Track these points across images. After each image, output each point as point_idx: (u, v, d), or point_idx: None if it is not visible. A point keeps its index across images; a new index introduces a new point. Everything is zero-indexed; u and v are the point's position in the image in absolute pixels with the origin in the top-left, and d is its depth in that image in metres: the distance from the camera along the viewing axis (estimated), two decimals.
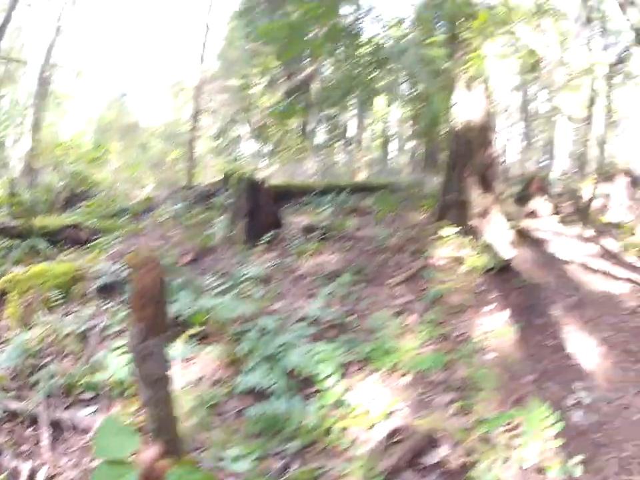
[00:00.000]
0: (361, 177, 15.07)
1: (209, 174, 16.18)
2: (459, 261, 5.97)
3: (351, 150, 17.53)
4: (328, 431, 3.05)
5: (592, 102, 11.99)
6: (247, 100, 15.90)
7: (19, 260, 7.54)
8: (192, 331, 4.13)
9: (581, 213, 8.78)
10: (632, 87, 15.26)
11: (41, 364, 4.21)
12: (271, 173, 14.25)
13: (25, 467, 3.06)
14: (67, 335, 4.48)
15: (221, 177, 12.75)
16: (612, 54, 12.78)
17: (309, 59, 15.07)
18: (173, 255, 6.25)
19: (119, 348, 3.89)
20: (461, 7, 7.09)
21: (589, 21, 12.57)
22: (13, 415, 3.59)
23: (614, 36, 13.62)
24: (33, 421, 3.53)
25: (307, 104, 16.24)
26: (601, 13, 12.60)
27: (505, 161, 17.29)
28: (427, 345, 4.24)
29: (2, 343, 4.86)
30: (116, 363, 3.78)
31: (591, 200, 8.98)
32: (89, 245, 8.09)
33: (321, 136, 17.75)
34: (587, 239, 7.46)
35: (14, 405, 3.69)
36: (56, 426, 3.45)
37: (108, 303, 5.26)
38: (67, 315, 5.04)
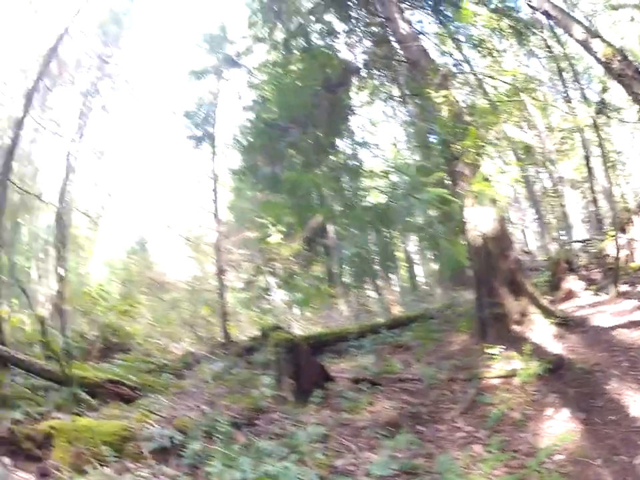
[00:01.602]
0: (395, 310, 15.13)
1: (244, 327, 16.40)
2: (510, 374, 5.91)
3: (380, 286, 17.84)
4: None
5: (587, 159, 12.23)
6: (268, 251, 16.46)
7: (60, 405, 7.51)
8: None
9: (612, 274, 8.75)
10: (619, 123, 15.44)
11: None
12: (304, 322, 14.42)
13: None
14: None
15: (258, 331, 12.78)
16: (592, 98, 12.79)
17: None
18: (225, 420, 6.01)
19: None
20: (451, 127, 7.61)
21: (560, 74, 12.52)
22: None
23: (586, 75, 13.76)
24: None
25: (326, 247, 16.77)
26: (568, 59, 12.51)
27: (527, 251, 17.37)
28: (498, 469, 4.12)
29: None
30: None
31: (617, 255, 8.95)
32: (131, 401, 7.98)
33: (347, 277, 18.13)
34: (625, 296, 7.43)
35: None
36: None
37: (165, 466, 5.10)
38: (121, 472, 4.90)
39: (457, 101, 8.13)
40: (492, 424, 5.04)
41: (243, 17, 18.36)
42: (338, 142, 15.75)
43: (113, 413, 7.01)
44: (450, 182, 7.71)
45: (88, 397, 7.95)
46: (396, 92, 13.37)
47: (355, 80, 13.75)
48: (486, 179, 7.46)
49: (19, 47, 20.97)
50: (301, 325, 14.12)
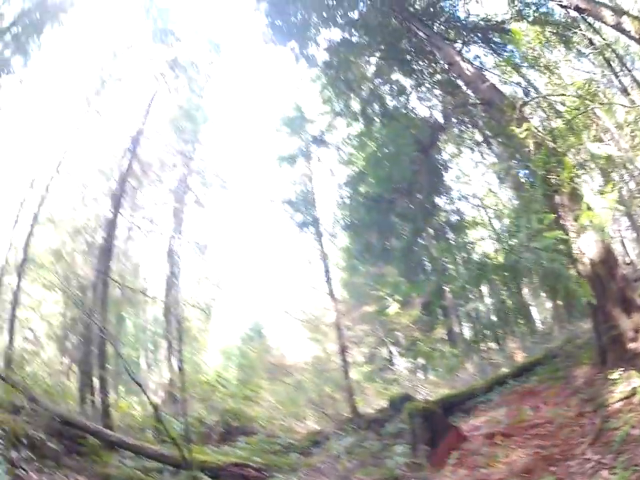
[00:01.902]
0: (518, 357, 14.30)
1: (369, 400, 16.17)
2: (631, 394, 5.53)
3: (500, 336, 17.00)
4: None
5: None
6: (387, 322, 16.41)
7: None
8: None
9: None
10: None
11: None
12: (430, 385, 14.01)
13: None
14: None
15: (384, 402, 12.76)
16: None
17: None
18: None
19: None
20: (544, 160, 7.43)
21: (609, 65, 11.37)
22: None
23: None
24: None
25: (444, 308, 16.52)
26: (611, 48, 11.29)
27: (628, 263, 15.72)
28: None
29: None
30: None
31: None
32: None
33: (466, 332, 17.56)
34: None
35: None
36: None
37: None
38: None
39: (539, 130, 7.92)
40: (617, 447, 4.76)
41: (313, 93, 19.56)
42: (437, 200, 15.85)
43: None
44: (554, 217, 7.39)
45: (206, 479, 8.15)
46: (478, 136, 13.26)
47: (441, 135, 13.95)
48: (589, 207, 7.16)
49: (95, 150, 23.49)
50: (427, 389, 13.62)
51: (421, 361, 16.75)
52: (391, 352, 16.90)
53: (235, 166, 41.82)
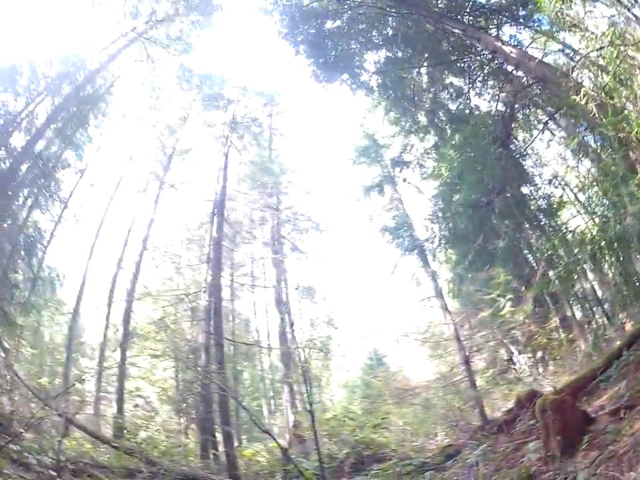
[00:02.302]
0: (628, 326, 13.51)
1: (496, 404, 15.72)
2: None
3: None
4: None
5: None
6: (503, 323, 16.07)
7: None
8: None
9: None
10: None
11: None
12: (551, 376, 13.58)
13: None
14: None
15: (511, 403, 12.37)
16: None
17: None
18: None
19: None
20: (614, 121, 7.16)
21: None
22: None
23: None
24: None
25: (553, 295, 16.02)
26: None
27: None
28: None
29: None
30: None
31: None
32: None
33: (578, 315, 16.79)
34: None
35: None
36: None
37: None
38: None
39: (594, 91, 7.67)
40: None
41: (379, 118, 19.83)
42: (524, 190, 15.50)
43: None
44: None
45: None
46: (543, 115, 12.91)
47: (511, 124, 13.75)
48: None
49: (179, 221, 24.88)
50: (550, 381, 13.11)
51: (539, 353, 16.28)
52: (510, 351, 16.57)
53: (323, 205, 42.26)
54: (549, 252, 13.99)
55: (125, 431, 14.46)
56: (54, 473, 7.40)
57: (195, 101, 25.60)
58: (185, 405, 21.59)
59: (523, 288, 16.30)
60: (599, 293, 15.83)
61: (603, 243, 10.16)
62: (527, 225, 15.72)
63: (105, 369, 18.43)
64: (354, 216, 36.95)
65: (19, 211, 16.92)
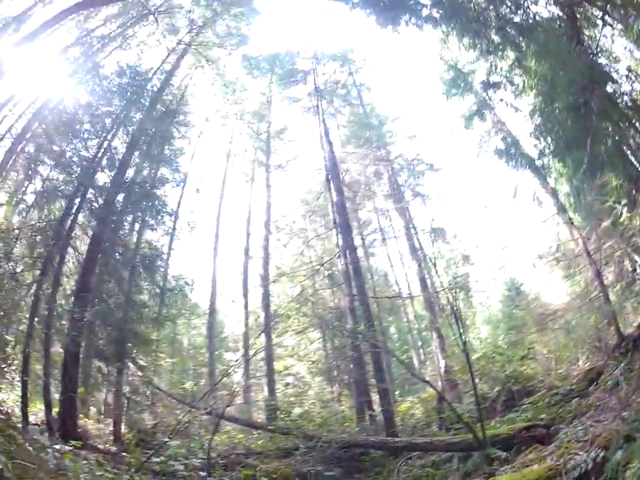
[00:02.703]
0: None
1: (627, 319, 15.03)
2: None
3: None
4: None
5: None
6: (625, 231, 15.00)
7: (468, 472, 8.10)
8: None
9: None
10: None
11: None
12: None
13: None
14: None
15: None
16: None
17: None
18: None
19: None
20: None
21: None
22: None
23: None
24: None
25: None
26: None
27: None
28: None
29: None
30: None
31: None
32: (547, 440, 8.00)
33: None
34: None
35: None
36: None
37: None
38: None
39: None
40: None
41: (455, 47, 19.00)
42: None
43: (529, 458, 7.15)
44: None
45: (501, 453, 8.21)
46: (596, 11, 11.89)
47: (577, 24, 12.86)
48: None
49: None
50: None
51: None
52: (635, 262, 15.42)
53: (430, 146, 42.08)
54: None
55: (279, 412, 15.07)
56: (203, 473, 7.69)
57: (272, 83, 26.23)
58: (335, 372, 22.41)
59: (634, 191, 14.82)
60: None
61: None
62: (622, 125, 14.62)
63: (251, 357, 19.18)
64: (462, 148, 35.98)
65: (128, 237, 18.36)
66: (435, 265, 15.72)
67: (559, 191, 18.35)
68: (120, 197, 16.90)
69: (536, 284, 25.64)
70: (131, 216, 18.23)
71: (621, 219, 14.63)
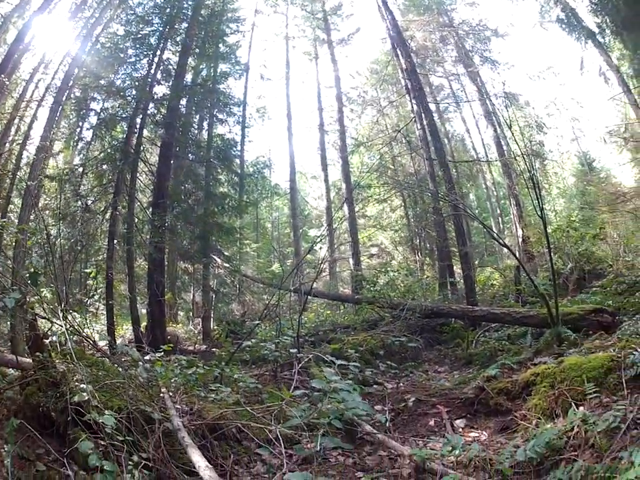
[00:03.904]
0: None
1: None
2: None
3: None
4: None
5: None
6: None
7: (540, 349, 7.89)
8: None
9: None
10: None
11: (558, 458, 4.18)
12: None
13: None
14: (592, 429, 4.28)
15: None
16: None
17: None
18: None
19: None
20: None
21: None
22: None
23: None
24: None
25: None
26: None
27: None
28: None
29: (514, 431, 5.10)
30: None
31: None
32: (612, 328, 7.86)
33: None
34: None
35: None
36: None
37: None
38: (596, 408, 4.81)
39: None
40: None
41: None
42: None
43: (595, 344, 6.92)
44: None
45: (571, 333, 7.98)
46: None
47: None
48: None
49: None
50: None
51: None
52: None
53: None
54: None
55: (364, 283, 15.00)
56: (294, 350, 7.50)
57: None
58: (418, 240, 22.55)
59: None
60: None
61: None
62: None
63: (334, 230, 19.65)
64: (524, 16, 33.10)
65: (198, 136, 18.66)
66: (510, 127, 15.02)
67: (623, 72, 16.72)
68: (183, 102, 17.05)
69: (607, 161, 24.87)
70: (198, 115, 18.46)
71: None
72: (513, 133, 15.81)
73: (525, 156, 9.77)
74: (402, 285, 14.94)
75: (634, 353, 5.39)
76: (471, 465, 4.29)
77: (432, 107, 20.40)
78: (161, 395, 4.69)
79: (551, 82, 28.66)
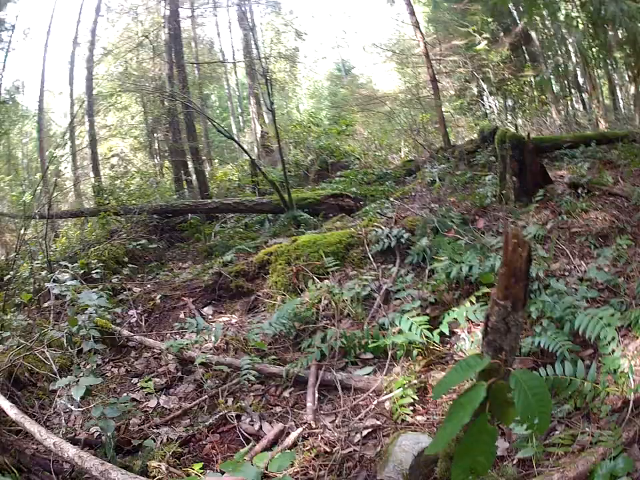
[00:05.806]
0: (602, 126, 13.37)
1: (461, 133, 16.15)
2: None
3: (585, 99, 15.97)
4: (596, 397, 2.85)
5: None
6: (476, 58, 15.55)
7: (277, 232, 8.14)
8: (481, 292, 4.04)
9: None
10: None
11: (312, 328, 4.42)
12: (518, 127, 13.56)
13: (275, 428, 3.16)
14: (346, 298, 4.54)
15: (475, 135, 12.65)
16: None
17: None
18: (455, 215, 5.99)
19: (408, 311, 4.02)
20: None
21: None
22: (267, 378, 3.84)
23: None
24: (295, 382, 3.71)
25: (532, 54, 15.75)
26: None
27: None
28: None
29: (263, 311, 5.22)
30: (408, 326, 3.84)
31: None
32: (354, 211, 8.33)
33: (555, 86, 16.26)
34: None
35: (272, 369, 3.84)
36: (324, 387, 3.60)
37: (389, 267, 5.25)
38: (342, 280, 5.15)
39: None
40: None
41: None
42: None
43: (336, 225, 7.25)
44: None
45: (308, 216, 8.41)
46: None
47: None
48: None
49: None
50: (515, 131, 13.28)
51: (509, 102, 16.39)
52: (480, 88, 16.15)
53: None
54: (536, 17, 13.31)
55: (103, 192, 13.95)
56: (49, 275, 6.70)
57: None
58: (157, 144, 21.57)
59: (502, 33, 15.73)
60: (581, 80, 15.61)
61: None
62: None
63: (77, 146, 18.09)
64: None
65: None
66: (253, 31, 14.78)
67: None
68: None
69: (368, 70, 26.15)
70: None
71: (479, 47, 14.97)
72: (262, 38, 15.64)
73: (263, 58, 10.23)
74: (139, 190, 14.20)
75: (376, 230, 5.69)
76: (230, 347, 4.49)
77: (188, 12, 19.15)
78: None
79: None
